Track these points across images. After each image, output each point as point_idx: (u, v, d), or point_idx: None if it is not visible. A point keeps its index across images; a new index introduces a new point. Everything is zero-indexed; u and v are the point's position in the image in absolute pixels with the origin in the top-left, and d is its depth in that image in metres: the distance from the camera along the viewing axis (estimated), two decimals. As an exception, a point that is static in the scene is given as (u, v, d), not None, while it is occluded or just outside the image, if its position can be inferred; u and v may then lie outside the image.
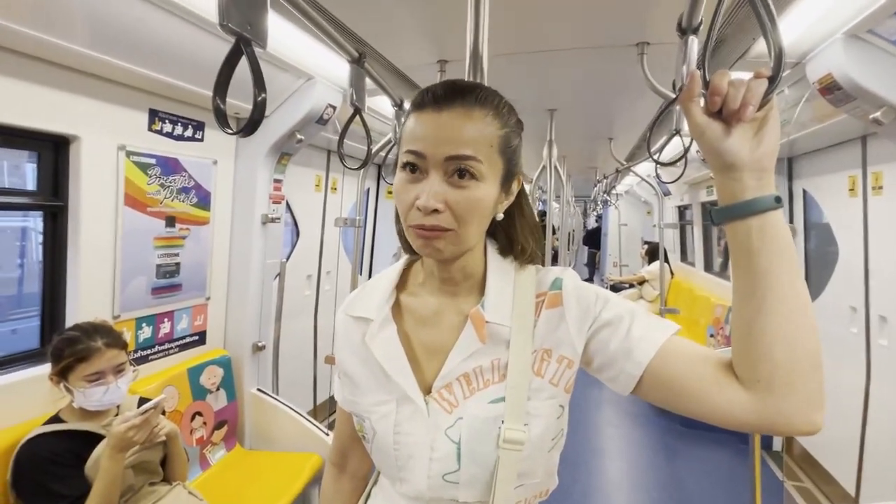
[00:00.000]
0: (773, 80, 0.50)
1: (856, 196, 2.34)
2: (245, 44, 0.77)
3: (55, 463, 1.27)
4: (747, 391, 0.53)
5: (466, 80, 0.87)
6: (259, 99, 0.76)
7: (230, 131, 0.79)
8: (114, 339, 1.38)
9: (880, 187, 2.18)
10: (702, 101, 0.52)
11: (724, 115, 0.51)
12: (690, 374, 0.57)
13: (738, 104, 0.49)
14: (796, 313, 0.51)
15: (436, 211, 0.56)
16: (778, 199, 0.51)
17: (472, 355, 0.62)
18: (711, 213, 0.55)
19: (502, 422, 0.60)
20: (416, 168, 0.58)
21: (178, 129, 1.94)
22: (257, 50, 0.81)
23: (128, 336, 1.81)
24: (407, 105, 1.83)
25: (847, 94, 1.56)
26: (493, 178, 0.60)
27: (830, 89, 1.59)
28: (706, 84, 0.51)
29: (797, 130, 2.31)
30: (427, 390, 0.64)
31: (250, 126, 0.78)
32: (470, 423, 0.60)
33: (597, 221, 10.41)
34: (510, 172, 0.64)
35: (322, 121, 2.20)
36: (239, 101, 1.86)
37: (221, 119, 0.79)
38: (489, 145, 0.59)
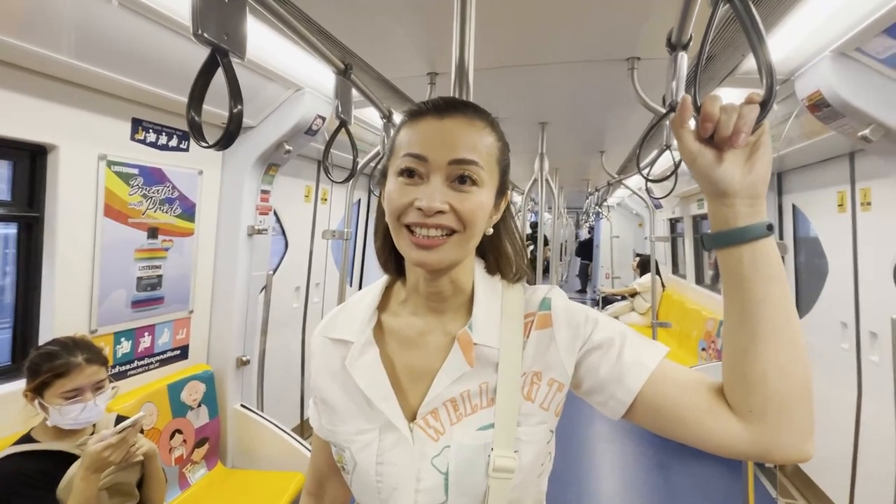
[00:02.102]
0: (764, 106, 0.49)
1: (845, 211, 2.34)
2: (221, 54, 0.74)
3: (26, 485, 1.21)
4: (739, 420, 0.52)
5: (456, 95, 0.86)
6: (235, 111, 0.73)
7: (205, 144, 0.76)
8: (94, 355, 1.33)
9: (868, 203, 2.19)
10: (693, 124, 0.51)
11: (715, 140, 0.50)
12: (682, 401, 0.56)
13: (731, 131, 0.48)
14: (788, 343, 0.50)
15: (439, 213, 0.55)
16: (770, 227, 0.50)
17: (459, 379, 0.60)
18: (703, 239, 0.54)
19: (492, 449, 0.57)
20: (414, 173, 0.57)
21: (163, 139, 1.90)
22: (236, 60, 0.79)
23: (106, 351, 1.76)
24: (396, 117, 1.81)
25: (835, 112, 1.56)
26: (490, 188, 0.60)
27: (819, 106, 1.60)
28: (697, 108, 0.50)
29: (786, 146, 2.32)
30: (412, 416, 0.61)
31: (227, 139, 0.75)
32: (457, 452, 0.57)
33: (589, 233, 10.46)
34: (503, 187, 0.63)
35: (311, 132, 2.17)
36: (225, 111, 1.83)
37: (197, 132, 0.76)
38: (489, 154, 0.59)
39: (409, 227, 0.57)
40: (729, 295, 0.52)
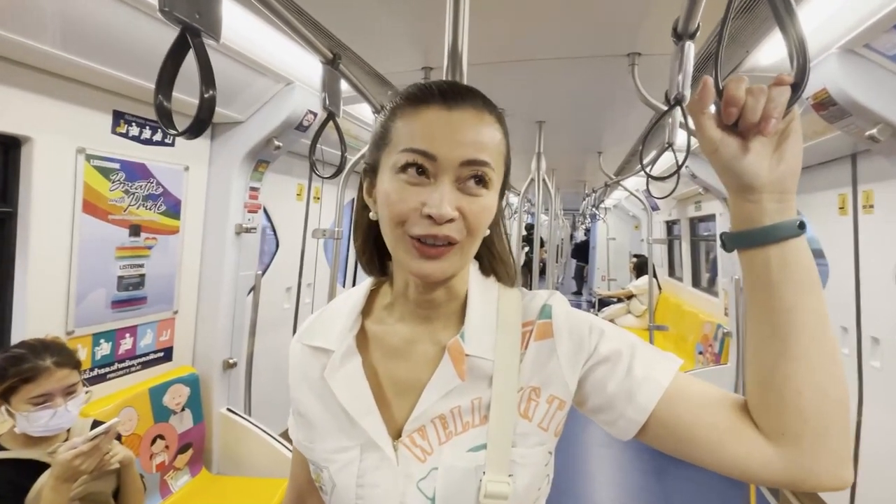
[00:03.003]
0: (796, 88, 0.43)
1: (846, 214, 2.31)
2: (193, 34, 0.68)
3: (-7, 495, 1.14)
4: (769, 442, 0.46)
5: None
6: (207, 96, 0.67)
7: (174, 132, 0.70)
8: (64, 358, 1.26)
9: (871, 206, 2.15)
10: (713, 110, 0.45)
11: (740, 128, 0.44)
12: (701, 420, 0.50)
13: (759, 116, 0.42)
14: (825, 357, 0.44)
15: (449, 220, 0.49)
16: (802, 225, 0.44)
17: (449, 393, 0.54)
18: (723, 239, 0.48)
19: (483, 473, 0.51)
20: (420, 171, 0.50)
21: (146, 133, 1.83)
22: (212, 43, 0.72)
23: (83, 353, 1.69)
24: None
25: (842, 110, 1.52)
26: (497, 190, 0.54)
27: (825, 105, 1.55)
28: (719, 93, 0.44)
29: (802, 138, 2.28)
30: (396, 434, 0.55)
31: (197, 127, 0.68)
32: (446, 475, 0.52)
33: (585, 235, 10.43)
34: (504, 187, 0.57)
35: (302, 127, 2.11)
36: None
37: (165, 119, 0.70)
38: (498, 153, 0.53)
39: (413, 237, 0.50)
40: (755, 303, 0.47)
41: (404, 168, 0.50)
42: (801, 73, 0.44)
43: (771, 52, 1.54)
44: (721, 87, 0.44)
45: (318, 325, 0.63)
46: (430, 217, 0.48)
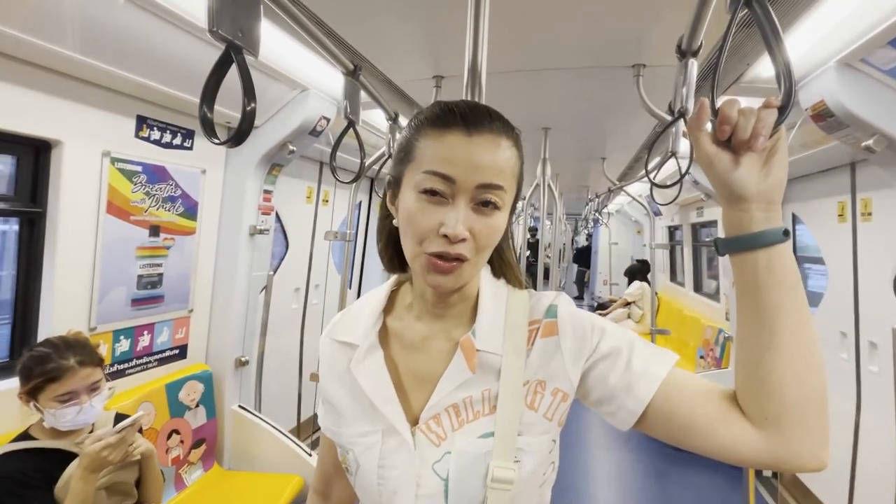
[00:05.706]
0: (783, 111, 0.49)
1: (845, 221, 2.35)
2: (236, 51, 0.74)
3: (23, 484, 1.19)
4: (754, 427, 0.51)
5: (473, 100, 0.85)
6: (248, 108, 0.73)
7: (217, 141, 0.76)
8: (88, 356, 1.30)
9: (869, 213, 2.20)
10: (709, 128, 0.50)
11: (732, 144, 0.49)
12: (694, 409, 0.55)
13: (749, 134, 0.47)
14: (805, 351, 0.50)
15: (462, 240, 0.54)
16: (786, 233, 0.50)
17: (461, 385, 0.59)
18: (717, 244, 0.53)
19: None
20: (437, 192, 0.54)
21: (167, 137, 1.90)
22: (248, 58, 0.78)
23: (104, 349, 1.75)
24: (402, 119, 1.81)
25: (839, 122, 1.57)
26: (508, 208, 0.59)
27: (823, 116, 1.60)
28: (714, 112, 0.50)
29: (788, 155, 2.33)
30: (414, 421, 0.60)
31: (238, 136, 0.74)
32: (458, 459, 0.57)
33: (587, 240, 10.47)
34: (516, 201, 0.63)
35: (315, 132, 2.17)
36: (230, 111, 1.83)
37: (208, 129, 0.76)
38: (512, 175, 0.58)
39: (430, 254, 0.55)
40: (743, 302, 0.52)
41: (426, 190, 0.55)
42: (787, 96, 0.50)
43: (771, 65, 1.59)
44: (716, 108, 0.49)
45: (344, 322, 0.69)
46: (445, 236, 0.54)
